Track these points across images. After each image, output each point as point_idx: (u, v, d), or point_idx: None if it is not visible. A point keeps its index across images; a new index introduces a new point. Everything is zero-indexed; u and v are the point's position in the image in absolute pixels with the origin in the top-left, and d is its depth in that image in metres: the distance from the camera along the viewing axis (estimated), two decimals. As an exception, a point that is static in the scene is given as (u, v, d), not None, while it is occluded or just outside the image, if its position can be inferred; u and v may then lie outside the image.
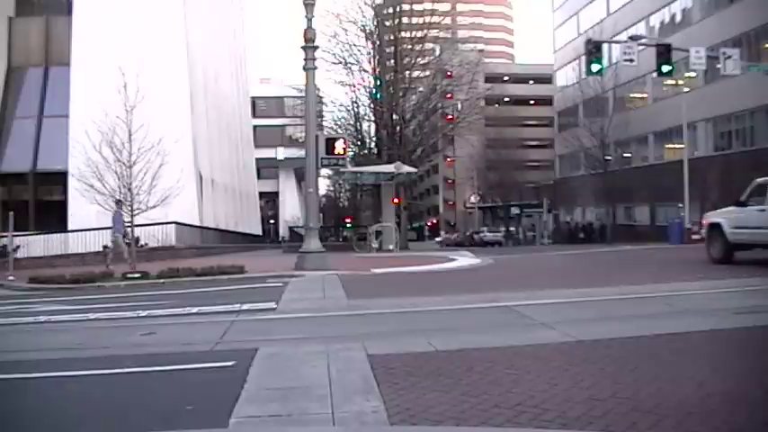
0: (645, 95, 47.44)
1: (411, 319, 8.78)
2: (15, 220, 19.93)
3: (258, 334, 7.87)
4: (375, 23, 41.72)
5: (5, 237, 21.44)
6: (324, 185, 67.30)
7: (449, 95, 45.90)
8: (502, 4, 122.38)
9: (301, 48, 18.10)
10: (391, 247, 31.93)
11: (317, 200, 21.34)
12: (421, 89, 45.81)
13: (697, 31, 37.99)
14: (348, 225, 59.58)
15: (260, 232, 55.44)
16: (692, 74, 33.95)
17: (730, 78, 28.86)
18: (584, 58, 26.84)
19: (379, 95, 39.87)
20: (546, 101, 69.46)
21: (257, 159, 55.67)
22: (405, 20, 43.21)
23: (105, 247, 22.87)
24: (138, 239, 22.10)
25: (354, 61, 41.72)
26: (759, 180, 15.17)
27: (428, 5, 45.50)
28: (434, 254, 28.98)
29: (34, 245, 25.82)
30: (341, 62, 41.09)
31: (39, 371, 6.16)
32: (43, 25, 33.50)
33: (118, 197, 18.46)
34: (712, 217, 17.01)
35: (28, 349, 7.61)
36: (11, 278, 17.70)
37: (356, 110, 43.67)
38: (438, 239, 67.85)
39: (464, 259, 21.68)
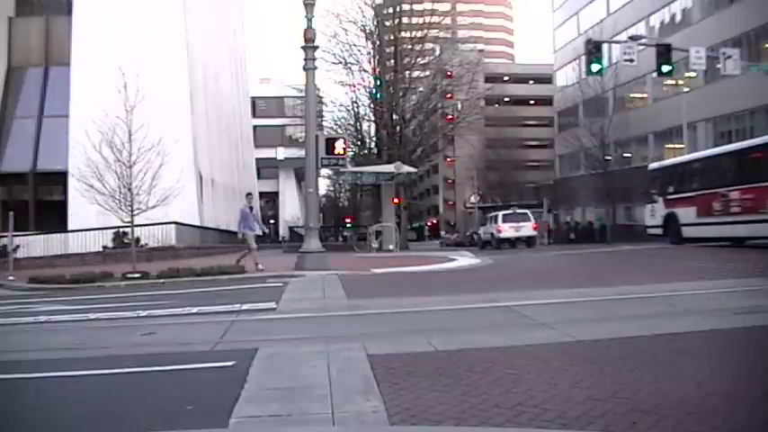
0: (645, 95, 47.44)
1: (411, 319, 8.78)
2: (15, 220, 19.93)
3: (258, 334, 7.87)
4: (375, 23, 41.74)
5: (5, 237, 21.45)
6: (324, 185, 67.39)
7: (449, 95, 45.92)
8: (502, 4, 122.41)
9: (301, 48, 18.11)
10: (391, 247, 31.95)
11: (317, 200, 21.34)
12: (421, 89, 45.83)
13: (697, 31, 37.99)
14: (348, 225, 59.52)
15: (260, 232, 55.42)
16: (692, 74, 33.97)
17: (730, 78, 28.88)
18: (584, 58, 26.86)
19: (379, 95, 39.89)
20: (546, 101, 69.48)
21: (257, 159, 55.71)
22: (405, 20, 43.24)
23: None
24: (138, 239, 22.11)
25: (354, 61, 41.79)
26: (489, 214, 38.75)
27: (428, 5, 45.53)
28: (434, 254, 28.98)
29: (34, 245, 25.84)
30: (341, 62, 41.15)
31: (39, 371, 6.16)
32: (43, 25, 33.50)
33: (248, 190, 18.44)
34: (479, 230, 41.68)
35: (28, 349, 7.61)
36: (11, 278, 17.71)
37: (356, 110, 43.73)
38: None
39: (464, 259, 21.67)
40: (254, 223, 17.79)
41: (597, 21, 51.48)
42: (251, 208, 18.04)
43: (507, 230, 34.36)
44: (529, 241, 34.24)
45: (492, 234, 35.67)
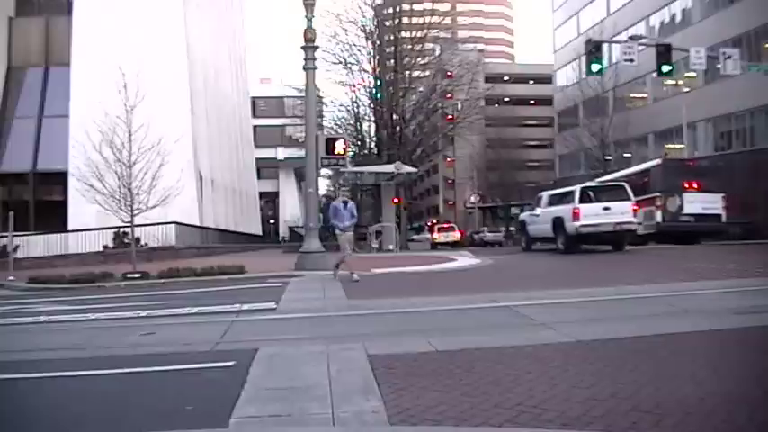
0: (645, 95, 47.45)
1: (411, 319, 8.78)
2: (15, 220, 19.92)
3: (258, 334, 7.87)
4: (375, 23, 41.69)
5: (5, 237, 21.44)
6: (324, 185, 67.25)
7: (449, 95, 45.88)
8: (502, 4, 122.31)
9: (301, 48, 18.12)
10: (391, 247, 31.94)
11: (317, 200, 21.31)
12: (421, 89, 45.79)
13: (697, 31, 38.00)
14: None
15: (260, 232, 55.42)
16: (692, 74, 34.00)
17: (730, 78, 28.88)
18: (584, 58, 26.87)
19: (379, 95, 39.85)
20: (546, 101, 69.45)
21: (257, 159, 55.61)
22: (405, 20, 43.19)
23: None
24: (138, 239, 22.11)
25: (354, 61, 41.71)
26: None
27: (428, 5, 45.52)
28: (434, 254, 28.99)
29: (34, 245, 25.82)
30: (341, 62, 41.07)
31: (39, 371, 6.16)
32: (43, 25, 33.48)
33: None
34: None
35: (28, 349, 7.61)
36: (11, 278, 17.70)
37: (356, 110, 43.68)
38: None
39: (464, 259, 21.66)
40: (347, 220, 14.66)
41: (597, 21, 51.48)
42: (345, 203, 15.19)
43: (441, 238, 48.73)
44: (454, 245, 46.15)
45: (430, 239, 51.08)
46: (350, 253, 14.69)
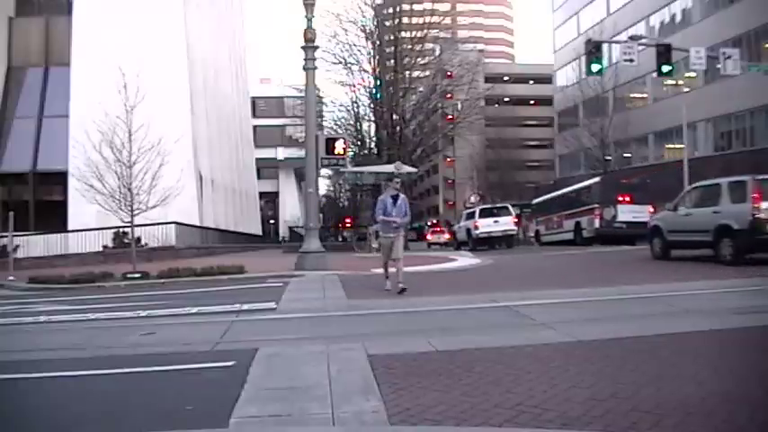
0: (645, 95, 47.43)
1: (411, 319, 8.79)
2: (15, 220, 19.91)
3: (258, 334, 7.87)
4: (375, 23, 41.62)
5: (5, 237, 21.43)
6: (324, 185, 67.29)
7: (449, 95, 45.80)
8: (502, 4, 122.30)
9: (301, 48, 18.11)
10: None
11: (317, 200, 21.31)
12: (421, 89, 45.73)
13: (697, 31, 37.99)
14: (348, 226, 60.07)
15: (260, 232, 55.40)
16: (692, 74, 33.94)
17: (730, 78, 28.87)
18: (584, 58, 26.88)
19: (379, 95, 39.79)
20: (546, 101, 69.41)
21: (257, 159, 55.60)
22: (405, 20, 43.14)
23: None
24: (138, 239, 22.10)
25: (354, 61, 41.63)
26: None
27: (428, 5, 45.46)
28: (434, 254, 29.03)
29: (34, 245, 25.82)
30: (341, 62, 41.00)
31: (39, 371, 6.16)
32: (43, 25, 33.48)
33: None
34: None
35: (28, 349, 7.61)
36: (11, 278, 17.70)
37: (356, 110, 43.61)
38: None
39: (464, 259, 21.67)
40: (399, 218, 11.95)
41: (597, 21, 51.47)
42: (394, 197, 12.02)
43: (433, 239, 53.64)
44: (444, 244, 49.68)
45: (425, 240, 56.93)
46: (395, 255, 12.05)
